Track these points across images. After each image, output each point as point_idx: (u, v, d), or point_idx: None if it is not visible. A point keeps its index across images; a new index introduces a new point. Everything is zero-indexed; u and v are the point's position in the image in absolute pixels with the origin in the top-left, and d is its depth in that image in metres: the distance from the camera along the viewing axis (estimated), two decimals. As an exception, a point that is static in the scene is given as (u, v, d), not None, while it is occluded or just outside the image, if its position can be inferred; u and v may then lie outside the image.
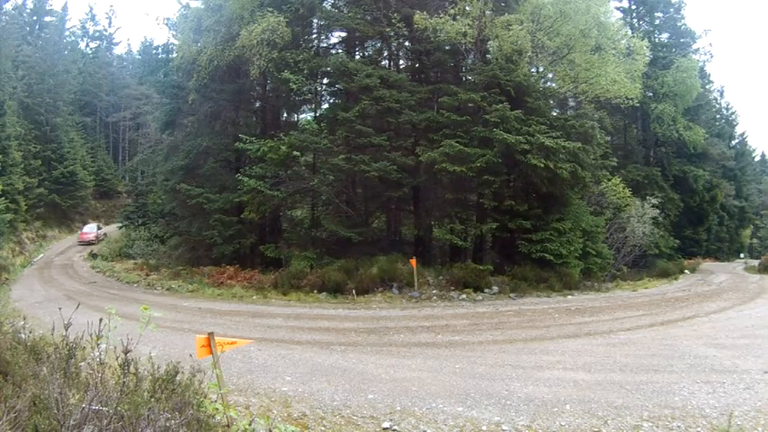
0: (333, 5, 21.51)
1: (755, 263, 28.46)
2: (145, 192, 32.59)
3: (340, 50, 21.57)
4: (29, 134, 33.69)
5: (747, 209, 43.38)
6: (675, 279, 22.94)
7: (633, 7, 34.10)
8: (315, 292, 15.32)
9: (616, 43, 19.17)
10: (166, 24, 28.18)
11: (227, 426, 3.82)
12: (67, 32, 51.28)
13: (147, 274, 20.59)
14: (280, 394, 5.84)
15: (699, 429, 4.69)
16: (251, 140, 18.05)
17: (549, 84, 21.11)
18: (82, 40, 57.46)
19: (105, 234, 34.40)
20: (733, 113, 47.49)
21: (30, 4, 42.39)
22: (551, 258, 16.14)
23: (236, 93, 21.83)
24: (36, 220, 33.50)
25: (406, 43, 20.53)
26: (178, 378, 3.50)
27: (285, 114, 25.29)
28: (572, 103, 22.60)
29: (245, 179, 17.61)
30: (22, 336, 5.63)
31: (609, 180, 23.15)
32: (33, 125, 34.95)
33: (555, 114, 19.78)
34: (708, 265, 30.75)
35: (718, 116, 43.95)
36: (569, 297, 15.64)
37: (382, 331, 9.94)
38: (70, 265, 25.33)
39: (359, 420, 5.04)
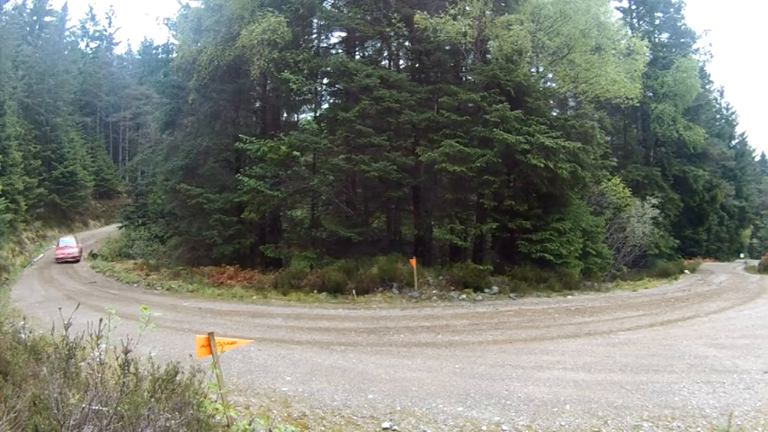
0: (333, 5, 21.50)
1: (755, 263, 28.47)
2: (145, 192, 32.58)
3: (340, 50, 21.56)
4: (29, 134, 33.69)
5: (747, 209, 43.38)
6: (675, 279, 22.94)
7: (633, 7, 34.10)
8: (315, 292, 15.31)
9: (616, 43, 19.18)
10: (166, 24, 28.21)
11: (227, 426, 3.82)
12: (67, 32, 51.36)
13: (147, 274, 20.58)
14: (280, 394, 5.84)
15: (699, 429, 4.69)
16: (251, 140, 18.04)
17: (549, 84, 21.12)
18: (82, 40, 57.59)
19: (81, 250, 27.72)
20: (733, 113, 47.54)
21: (30, 4, 42.48)
22: (551, 258, 16.14)
23: (236, 93, 21.82)
24: (36, 220, 33.51)
25: (406, 43, 20.53)
26: (178, 378, 3.51)
27: (285, 114, 25.28)
28: (572, 103, 22.60)
29: (245, 179, 17.61)
30: (22, 336, 5.63)
31: (609, 180, 23.16)
32: (33, 125, 34.96)
33: (555, 114, 19.79)
34: (708, 265, 30.75)
35: (718, 116, 43.96)
36: (569, 297, 15.64)
37: (382, 331, 9.94)
38: (70, 265, 25.33)
39: (359, 420, 5.04)
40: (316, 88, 21.10)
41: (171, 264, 22.01)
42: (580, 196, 19.64)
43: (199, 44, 20.58)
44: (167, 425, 2.88)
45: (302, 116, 24.43)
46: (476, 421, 4.96)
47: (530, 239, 16.29)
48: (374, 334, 9.67)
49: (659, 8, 33.77)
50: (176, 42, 24.20)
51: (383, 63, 21.33)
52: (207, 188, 20.19)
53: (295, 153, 16.89)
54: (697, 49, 34.82)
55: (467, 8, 17.25)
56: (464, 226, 17.11)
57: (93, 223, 41.49)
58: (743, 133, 49.12)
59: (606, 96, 18.81)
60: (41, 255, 28.73)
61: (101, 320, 3.51)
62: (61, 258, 26.00)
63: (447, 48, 18.88)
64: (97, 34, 59.28)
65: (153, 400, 3.08)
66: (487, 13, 17.75)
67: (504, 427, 4.81)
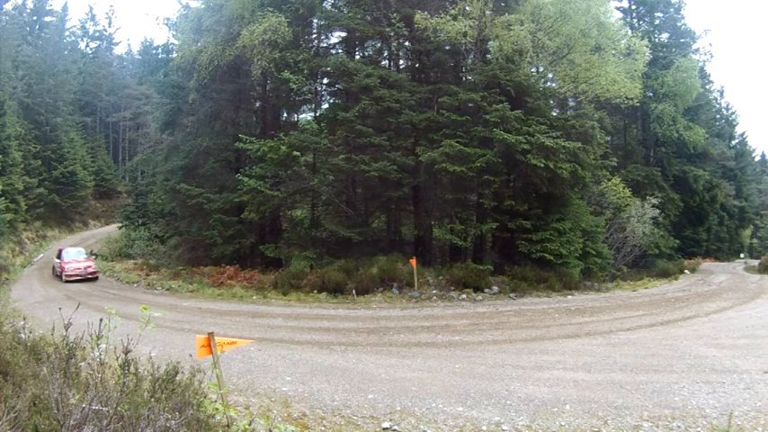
0: (333, 5, 21.49)
1: (755, 263, 28.49)
2: (145, 192, 32.53)
3: (340, 50, 21.56)
4: (29, 134, 33.69)
5: (747, 209, 43.42)
6: (675, 279, 22.95)
7: (633, 7, 34.08)
8: (315, 292, 15.32)
9: (616, 43, 19.16)
10: (166, 24, 28.23)
11: (227, 426, 3.82)
12: (67, 32, 51.34)
13: (147, 274, 20.58)
14: (280, 394, 5.84)
15: (699, 429, 4.69)
16: (251, 140, 18.05)
17: (549, 84, 21.12)
18: (82, 40, 57.50)
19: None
20: (733, 113, 47.63)
21: (30, 4, 42.44)
22: (551, 258, 16.14)
23: (237, 93, 21.83)
24: (36, 220, 33.49)
25: (406, 43, 20.51)
26: (178, 378, 3.51)
27: (285, 114, 25.27)
28: (572, 103, 22.60)
29: (245, 179, 17.62)
30: (22, 336, 5.64)
31: (609, 180, 23.16)
32: (33, 125, 34.95)
33: (555, 114, 19.77)
34: (708, 265, 30.77)
35: (718, 116, 44.00)
36: (569, 297, 15.64)
37: (382, 331, 9.94)
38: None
39: (359, 420, 5.04)
40: (316, 88, 21.09)
41: (171, 264, 22.01)
42: (580, 196, 19.64)
43: (199, 44, 20.57)
44: (167, 425, 2.88)
45: (302, 116, 24.42)
46: (476, 421, 4.96)
47: (530, 239, 16.29)
48: (374, 334, 9.67)
49: (659, 8, 33.75)
50: (176, 42, 24.18)
51: (383, 63, 21.33)
52: (207, 188, 20.19)
53: (295, 153, 16.89)
54: (697, 49, 34.86)
55: (467, 8, 17.25)
56: (464, 226, 17.11)
57: (93, 223, 41.47)
58: (743, 133, 49.30)
59: (606, 96, 18.80)
60: (41, 255, 28.72)
61: (101, 320, 3.51)
62: (73, 276, 19.42)
63: (447, 48, 18.88)
64: (97, 34, 59.26)
65: (153, 400, 3.08)
66: (487, 13, 17.75)
67: (504, 427, 4.81)
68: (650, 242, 25.40)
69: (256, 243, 20.27)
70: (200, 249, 21.08)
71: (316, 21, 21.43)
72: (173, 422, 2.93)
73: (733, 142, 45.43)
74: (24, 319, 7.90)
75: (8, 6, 37.16)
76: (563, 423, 4.88)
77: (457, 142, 15.76)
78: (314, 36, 22.27)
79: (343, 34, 21.54)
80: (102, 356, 3.43)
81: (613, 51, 18.94)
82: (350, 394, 5.82)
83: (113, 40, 61.57)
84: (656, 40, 32.69)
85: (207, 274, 18.39)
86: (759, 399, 5.47)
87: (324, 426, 4.91)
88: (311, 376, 6.58)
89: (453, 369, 6.93)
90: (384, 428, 4.83)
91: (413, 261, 15.52)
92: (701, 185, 33.06)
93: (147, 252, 26.29)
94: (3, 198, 22.95)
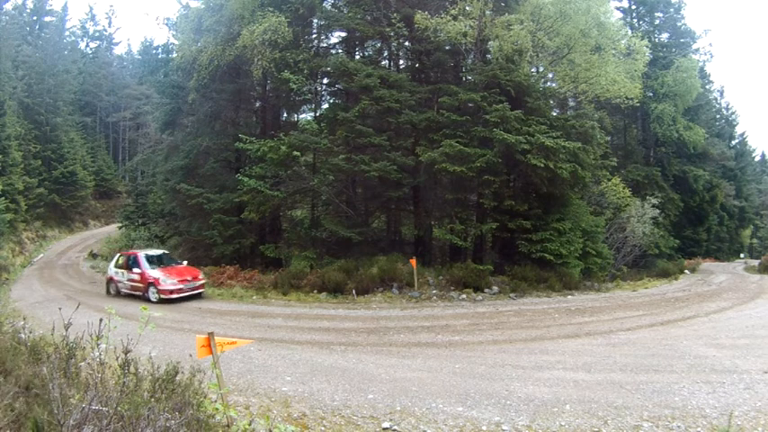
0: (333, 5, 21.48)
1: (755, 263, 28.48)
2: (145, 192, 32.53)
3: (340, 50, 21.56)
4: (29, 134, 33.69)
5: (747, 209, 43.41)
6: (675, 279, 22.94)
7: (633, 7, 34.08)
8: (315, 292, 15.32)
9: (616, 43, 19.16)
10: (166, 24, 28.24)
11: (227, 426, 3.82)
12: (67, 32, 51.34)
13: (147, 274, 20.51)
14: (280, 394, 5.84)
15: (699, 429, 4.69)
16: (251, 140, 18.04)
17: (549, 84, 21.10)
18: (82, 40, 57.50)
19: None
20: (733, 113, 47.63)
21: (30, 4, 42.44)
22: (551, 258, 16.14)
23: (237, 93, 21.82)
24: (36, 220, 33.48)
25: (406, 43, 20.51)
26: (178, 378, 3.51)
27: (285, 114, 25.27)
28: (572, 103, 22.59)
29: (245, 179, 17.61)
30: (22, 336, 5.64)
31: (609, 180, 23.15)
32: (33, 125, 34.95)
33: (555, 114, 19.76)
34: (708, 265, 30.76)
35: (718, 116, 44.00)
36: (569, 297, 15.64)
37: (382, 331, 9.94)
38: (70, 264, 25.32)
39: (359, 420, 5.04)
40: (316, 88, 21.09)
41: (171, 264, 21.99)
42: (580, 196, 19.63)
43: (199, 44, 20.56)
44: (167, 425, 2.88)
45: (302, 116, 24.41)
46: (476, 421, 4.96)
47: (530, 239, 16.29)
48: (374, 334, 9.67)
49: (659, 8, 33.75)
50: (176, 42, 24.18)
51: (383, 63, 21.32)
52: (207, 188, 20.19)
53: (295, 153, 16.88)
54: (697, 49, 34.85)
55: (467, 8, 17.25)
56: (464, 226, 17.10)
57: (93, 223, 41.47)
58: (743, 133, 49.30)
59: (606, 96, 18.80)
60: (41, 255, 28.72)
61: (101, 320, 3.51)
62: (175, 293, 14.01)
63: (447, 48, 18.87)
64: (97, 34, 59.26)
65: (153, 400, 3.08)
66: (488, 13, 17.75)
67: (504, 427, 4.81)
68: (650, 242, 25.39)
69: (256, 243, 20.26)
70: (200, 249, 21.08)
71: (316, 21, 21.43)
72: (173, 422, 2.93)
73: (733, 142, 45.44)
74: (24, 318, 7.91)
75: (8, 6, 37.22)
76: (563, 423, 4.88)
77: (457, 142, 15.75)
78: (314, 36, 22.27)
79: (343, 34, 21.54)
80: (102, 356, 3.43)
81: (613, 51, 18.93)
82: (350, 394, 5.82)
83: (113, 40, 61.63)
84: (656, 40, 32.69)
85: (207, 274, 18.36)
86: (759, 399, 5.47)
87: (324, 426, 4.91)
88: (311, 376, 6.58)
89: (453, 369, 6.93)
90: (384, 428, 4.83)
91: (413, 261, 15.52)
92: (701, 185, 33.06)
93: (147, 252, 26.24)
94: (3, 198, 22.95)
